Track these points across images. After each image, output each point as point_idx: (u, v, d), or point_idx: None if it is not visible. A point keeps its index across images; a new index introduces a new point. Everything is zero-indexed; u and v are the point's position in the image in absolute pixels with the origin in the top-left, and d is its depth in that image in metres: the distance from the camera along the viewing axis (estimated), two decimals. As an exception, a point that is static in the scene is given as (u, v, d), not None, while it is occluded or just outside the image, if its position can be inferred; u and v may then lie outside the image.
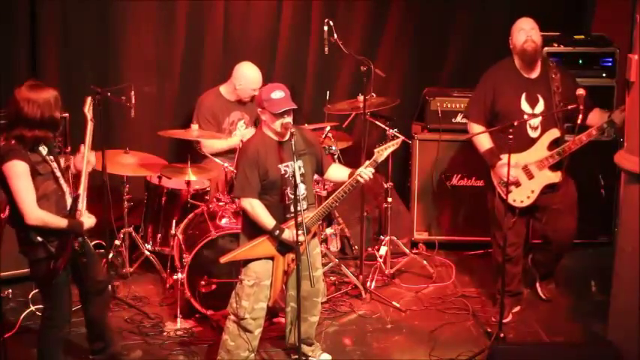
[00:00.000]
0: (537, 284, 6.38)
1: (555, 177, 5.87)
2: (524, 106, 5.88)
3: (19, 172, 4.87)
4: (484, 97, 5.98)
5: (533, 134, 5.87)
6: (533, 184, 5.87)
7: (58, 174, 5.06)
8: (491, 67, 6.12)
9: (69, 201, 5.08)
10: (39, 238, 4.94)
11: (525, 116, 5.81)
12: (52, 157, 5.04)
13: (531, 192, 5.88)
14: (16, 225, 5.03)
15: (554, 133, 5.84)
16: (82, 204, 5.06)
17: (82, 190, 5.08)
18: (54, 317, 5.17)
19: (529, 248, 6.42)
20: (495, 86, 5.95)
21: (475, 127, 6.01)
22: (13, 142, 4.91)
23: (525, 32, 5.84)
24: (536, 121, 5.84)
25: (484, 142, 5.95)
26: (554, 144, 5.84)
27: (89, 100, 5.28)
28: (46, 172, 5.00)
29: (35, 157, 4.95)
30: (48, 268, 4.99)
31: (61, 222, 4.98)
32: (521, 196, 5.90)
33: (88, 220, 5.10)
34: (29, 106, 4.90)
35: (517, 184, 5.86)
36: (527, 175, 5.87)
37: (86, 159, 5.14)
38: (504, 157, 5.71)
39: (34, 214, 4.90)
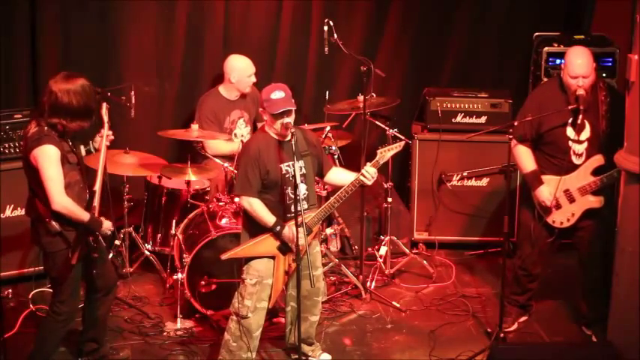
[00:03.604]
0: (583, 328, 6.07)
1: (597, 202, 5.76)
2: (570, 131, 5.74)
3: (51, 156, 4.90)
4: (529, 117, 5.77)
5: (577, 161, 5.75)
6: (574, 208, 5.78)
7: (81, 166, 5.12)
8: (538, 87, 5.90)
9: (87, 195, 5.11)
10: (58, 228, 4.96)
11: (570, 143, 5.72)
12: (75, 149, 5.10)
13: (572, 215, 5.78)
14: (35, 214, 5.03)
15: (598, 159, 5.71)
16: (97, 201, 5.09)
17: (98, 188, 5.11)
18: (62, 312, 5.18)
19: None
20: (541, 108, 5.75)
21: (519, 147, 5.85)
22: (45, 128, 4.95)
23: (577, 82, 5.62)
24: (581, 148, 5.74)
25: (528, 163, 5.81)
26: (597, 170, 5.72)
27: (105, 105, 5.30)
28: (73, 161, 5.05)
29: (64, 146, 4.98)
30: (65, 260, 5.00)
31: (85, 215, 5.00)
32: (562, 218, 5.80)
33: (107, 223, 5.14)
34: (66, 96, 4.94)
35: (558, 207, 5.78)
36: (568, 199, 5.76)
37: (102, 161, 5.17)
38: (546, 180, 5.71)
39: (62, 200, 4.92)
